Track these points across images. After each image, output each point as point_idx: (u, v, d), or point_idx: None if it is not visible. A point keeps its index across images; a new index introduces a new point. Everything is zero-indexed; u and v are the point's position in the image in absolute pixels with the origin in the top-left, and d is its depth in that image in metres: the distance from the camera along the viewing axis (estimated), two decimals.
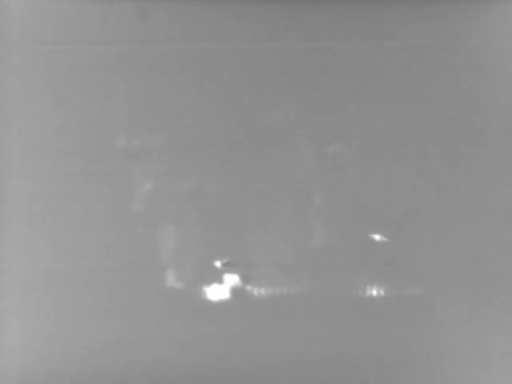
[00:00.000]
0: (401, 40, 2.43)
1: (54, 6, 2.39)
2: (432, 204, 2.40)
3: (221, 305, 2.36)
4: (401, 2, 2.43)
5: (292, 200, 2.39)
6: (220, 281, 2.37)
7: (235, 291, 2.37)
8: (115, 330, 2.33)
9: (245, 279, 2.37)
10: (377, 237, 2.39)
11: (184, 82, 2.39)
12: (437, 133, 2.42)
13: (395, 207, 2.39)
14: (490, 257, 2.40)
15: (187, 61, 2.39)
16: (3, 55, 2.38)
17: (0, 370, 2.34)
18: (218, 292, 2.36)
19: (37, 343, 2.32)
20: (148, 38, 2.40)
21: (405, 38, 2.43)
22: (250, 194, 2.39)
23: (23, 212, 2.35)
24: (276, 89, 2.41)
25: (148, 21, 2.39)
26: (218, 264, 2.37)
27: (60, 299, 2.34)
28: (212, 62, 2.40)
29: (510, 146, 2.42)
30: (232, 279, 2.37)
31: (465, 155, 2.42)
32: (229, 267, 2.37)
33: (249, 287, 2.37)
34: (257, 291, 2.37)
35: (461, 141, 2.42)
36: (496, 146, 2.42)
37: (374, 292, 2.39)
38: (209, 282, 2.37)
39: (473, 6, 2.43)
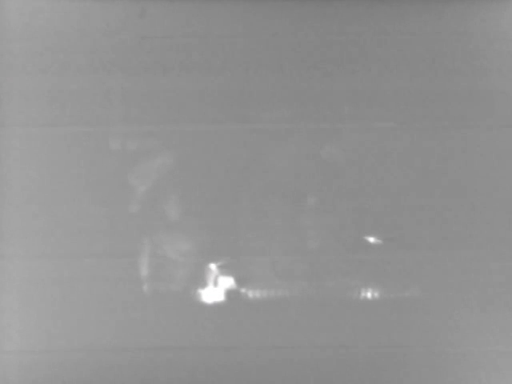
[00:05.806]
0: (400, 36, 2.41)
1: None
2: (429, 207, 2.38)
3: (215, 307, 2.37)
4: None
5: (287, 202, 2.39)
6: (215, 283, 2.38)
7: (230, 293, 2.38)
8: (110, 331, 2.35)
9: (240, 281, 2.38)
10: (372, 239, 2.38)
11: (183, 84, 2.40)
12: (435, 133, 2.39)
13: (391, 210, 2.38)
14: (489, 259, 2.38)
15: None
16: None
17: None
18: (212, 294, 2.37)
19: (37, 343, 2.36)
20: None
21: (403, 34, 2.42)
22: (246, 195, 2.39)
23: (21, 213, 2.37)
24: (276, 89, 2.41)
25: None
26: (212, 266, 2.38)
27: (57, 301, 2.36)
28: (211, 62, 2.41)
29: (510, 149, 2.40)
30: (227, 281, 2.38)
31: (463, 156, 2.40)
32: (224, 269, 2.38)
33: (244, 289, 2.38)
34: (252, 293, 2.38)
35: (459, 141, 2.40)
36: (495, 148, 2.40)
37: (370, 294, 2.38)
38: (204, 283, 2.38)
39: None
